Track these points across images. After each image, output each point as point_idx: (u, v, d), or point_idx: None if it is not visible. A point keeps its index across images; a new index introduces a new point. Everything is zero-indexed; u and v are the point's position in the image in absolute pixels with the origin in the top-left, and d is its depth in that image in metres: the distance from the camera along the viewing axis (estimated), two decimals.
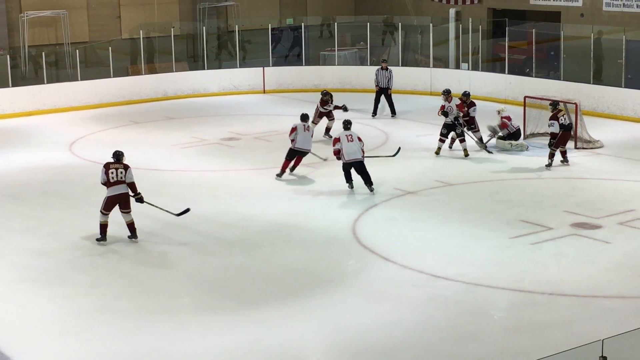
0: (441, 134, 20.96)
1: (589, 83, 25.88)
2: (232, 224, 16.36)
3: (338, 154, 18.07)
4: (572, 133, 20.18)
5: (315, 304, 12.73)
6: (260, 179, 19.28)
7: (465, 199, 17.78)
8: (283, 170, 19.23)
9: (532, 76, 27.22)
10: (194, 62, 31.95)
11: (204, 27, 31.46)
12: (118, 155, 15.22)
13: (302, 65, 30.91)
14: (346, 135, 18.02)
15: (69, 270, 14.21)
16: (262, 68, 30.20)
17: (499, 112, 21.75)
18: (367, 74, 26.11)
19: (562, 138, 19.65)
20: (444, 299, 12.79)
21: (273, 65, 30.63)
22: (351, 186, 18.18)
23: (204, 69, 30.51)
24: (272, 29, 31.28)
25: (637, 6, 28.98)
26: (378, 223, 16.38)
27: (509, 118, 21.70)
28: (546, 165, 19.66)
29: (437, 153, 20.95)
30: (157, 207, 15.60)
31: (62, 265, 14.40)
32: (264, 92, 30.00)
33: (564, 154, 19.90)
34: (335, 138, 18.36)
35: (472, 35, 29.11)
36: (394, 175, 19.26)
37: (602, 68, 26.81)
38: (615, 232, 15.48)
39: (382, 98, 25.62)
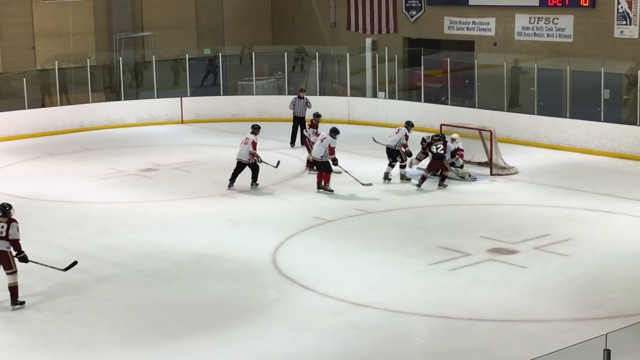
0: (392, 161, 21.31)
1: (503, 110, 26.40)
2: (151, 255, 16.21)
3: None
4: (444, 163, 20.55)
5: (236, 334, 12.67)
6: (180, 210, 19.16)
7: (384, 227, 17.92)
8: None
9: (447, 104, 27.63)
10: (110, 92, 31.66)
11: (121, 58, 31.23)
12: (3, 208, 13.97)
13: (220, 95, 30.89)
14: (245, 138, 20.58)
15: None
16: (179, 98, 30.08)
17: (453, 140, 21.53)
18: (285, 103, 26.19)
19: (432, 165, 20.67)
20: (365, 327, 12.84)
21: (191, 96, 30.56)
22: (230, 186, 20.47)
23: (121, 99, 30.30)
24: (190, 59, 31.24)
25: (548, 35, 29.69)
26: (298, 252, 16.39)
27: (461, 149, 21.65)
28: (415, 184, 20.65)
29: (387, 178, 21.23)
30: (42, 264, 14.43)
31: None
32: (182, 122, 29.86)
33: (443, 179, 20.58)
34: (246, 137, 20.61)
35: (388, 64, 29.46)
36: (314, 204, 19.33)
37: (517, 95, 27.37)
38: (531, 257, 15.75)
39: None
